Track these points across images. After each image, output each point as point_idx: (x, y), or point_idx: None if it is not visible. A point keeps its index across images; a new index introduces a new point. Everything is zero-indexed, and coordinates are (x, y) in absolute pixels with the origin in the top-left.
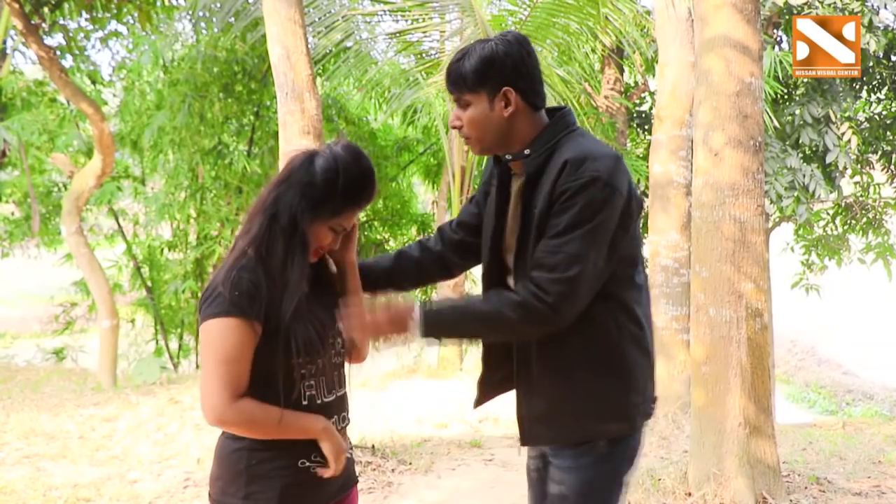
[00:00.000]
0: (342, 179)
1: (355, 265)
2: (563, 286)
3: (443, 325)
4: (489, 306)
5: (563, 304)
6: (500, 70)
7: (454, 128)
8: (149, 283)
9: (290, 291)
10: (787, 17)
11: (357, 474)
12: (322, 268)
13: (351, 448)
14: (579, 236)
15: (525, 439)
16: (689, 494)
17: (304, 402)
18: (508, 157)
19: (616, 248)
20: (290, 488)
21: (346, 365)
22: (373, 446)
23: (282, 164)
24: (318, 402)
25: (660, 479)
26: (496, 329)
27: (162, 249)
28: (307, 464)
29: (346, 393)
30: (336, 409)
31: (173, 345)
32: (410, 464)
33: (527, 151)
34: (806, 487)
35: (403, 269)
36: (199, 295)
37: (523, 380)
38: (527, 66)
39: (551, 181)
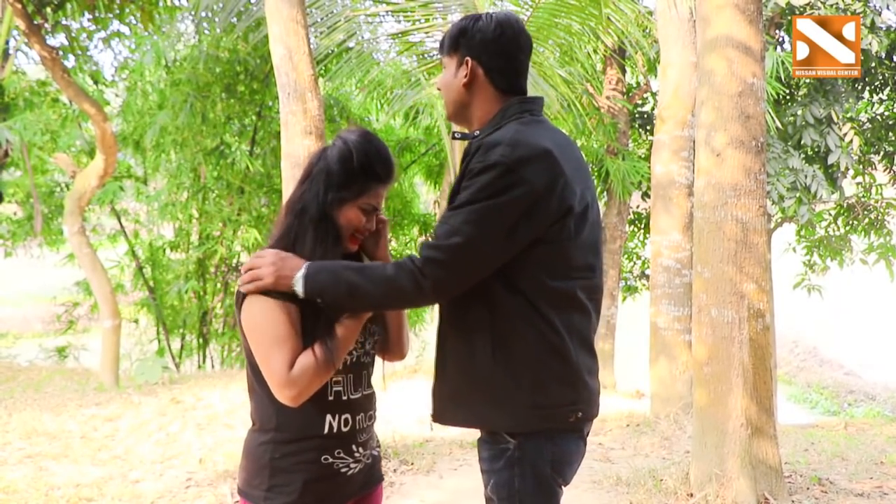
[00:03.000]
0: (356, 157)
1: (388, 259)
2: (437, 252)
3: (323, 273)
4: (372, 265)
5: (431, 269)
6: (468, 40)
7: (438, 88)
8: (151, 283)
9: None
10: (789, 17)
11: (382, 474)
12: (359, 259)
13: (378, 446)
14: (467, 212)
15: (435, 416)
16: (691, 495)
17: (330, 398)
18: (457, 134)
19: (516, 240)
20: (312, 483)
21: (380, 362)
22: None
23: (284, 164)
24: (345, 398)
25: (661, 480)
26: (373, 284)
27: (164, 249)
28: (330, 460)
29: (373, 392)
30: (363, 407)
31: (176, 345)
32: (412, 464)
33: (476, 133)
34: (808, 488)
35: None
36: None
37: (438, 360)
38: (497, 44)
39: (467, 161)
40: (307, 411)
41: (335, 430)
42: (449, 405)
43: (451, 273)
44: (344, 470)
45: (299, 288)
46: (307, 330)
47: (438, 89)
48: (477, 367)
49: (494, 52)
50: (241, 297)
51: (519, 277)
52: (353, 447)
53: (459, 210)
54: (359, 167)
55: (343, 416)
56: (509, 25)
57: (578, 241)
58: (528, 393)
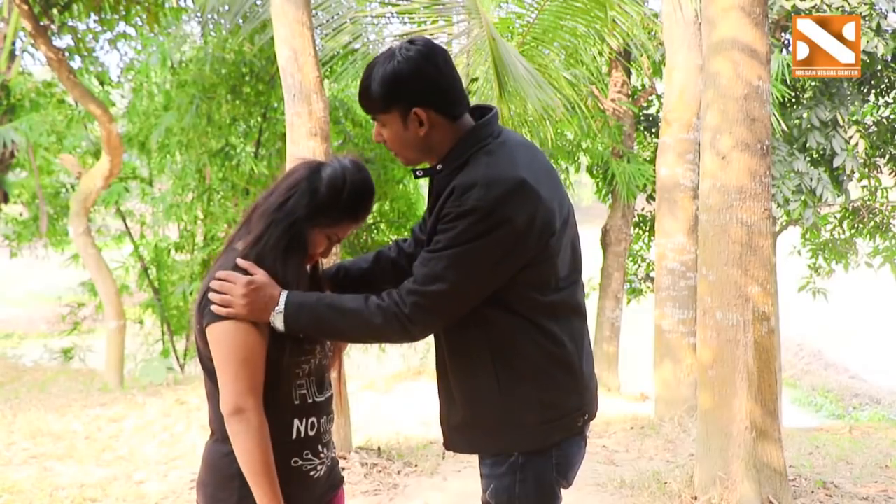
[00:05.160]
0: (347, 190)
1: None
2: (419, 298)
3: (303, 312)
4: (354, 304)
5: (417, 315)
6: (407, 91)
7: (377, 142)
8: (156, 284)
9: (289, 287)
10: None
11: (343, 475)
12: (315, 272)
13: (334, 448)
14: (447, 256)
15: (446, 445)
16: (696, 498)
17: (297, 402)
18: (419, 172)
19: (501, 275)
20: (282, 488)
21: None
22: (378, 448)
23: (289, 165)
24: (310, 401)
25: (665, 483)
26: (356, 326)
27: (169, 250)
28: (300, 462)
29: (332, 393)
30: (325, 409)
31: (180, 346)
32: (416, 466)
33: (439, 167)
34: (812, 492)
35: (382, 270)
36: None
37: (443, 389)
38: (436, 80)
39: (441, 203)
40: (273, 418)
41: (302, 434)
42: (459, 435)
43: (439, 316)
44: (312, 473)
45: (279, 323)
46: (272, 353)
47: (379, 142)
48: (482, 395)
49: (437, 89)
50: (207, 307)
51: (511, 299)
52: (319, 447)
53: (440, 254)
54: (345, 201)
55: (310, 420)
56: (433, 52)
57: (562, 253)
58: (537, 410)
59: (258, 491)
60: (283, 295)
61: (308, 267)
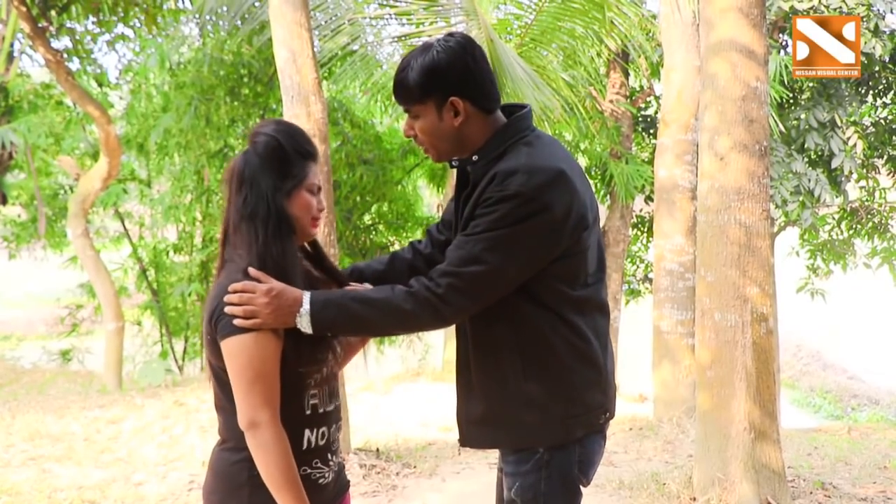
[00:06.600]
0: (284, 143)
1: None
2: (455, 279)
3: (330, 308)
4: (380, 293)
5: (452, 297)
6: (445, 80)
7: (408, 137)
8: (154, 286)
9: (290, 275)
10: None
11: (348, 478)
12: (326, 274)
13: (340, 454)
14: (485, 239)
15: (463, 441)
16: (694, 499)
17: (308, 412)
18: (455, 162)
19: (536, 262)
20: None
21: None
22: (377, 449)
23: None
24: (321, 410)
25: (664, 484)
26: (386, 315)
27: (167, 252)
28: (309, 471)
29: (340, 402)
30: (335, 418)
31: (179, 347)
32: (415, 467)
33: (475, 158)
34: (811, 492)
35: (396, 272)
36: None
37: (463, 383)
38: (473, 71)
39: (481, 190)
40: (285, 428)
41: (313, 444)
42: (480, 429)
43: (474, 300)
44: (322, 481)
45: (305, 324)
46: (290, 362)
47: (409, 137)
48: (508, 388)
49: (473, 81)
50: (221, 320)
51: (541, 292)
52: (328, 455)
53: (478, 237)
54: (292, 151)
55: (320, 430)
56: (471, 44)
57: (591, 249)
58: (562, 405)
59: (283, 502)
60: (307, 295)
61: (313, 269)
